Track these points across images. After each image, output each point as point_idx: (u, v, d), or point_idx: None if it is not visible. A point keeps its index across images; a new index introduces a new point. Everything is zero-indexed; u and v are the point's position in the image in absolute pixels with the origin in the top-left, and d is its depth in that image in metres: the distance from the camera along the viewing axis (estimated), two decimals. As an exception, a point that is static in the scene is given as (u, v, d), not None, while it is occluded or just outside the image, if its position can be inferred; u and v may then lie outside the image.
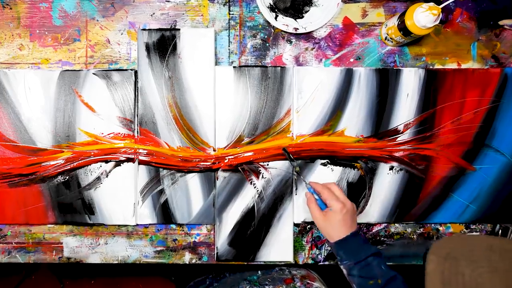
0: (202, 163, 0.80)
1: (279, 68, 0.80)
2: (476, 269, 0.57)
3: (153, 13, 0.81)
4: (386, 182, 0.81)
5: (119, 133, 0.80)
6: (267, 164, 0.80)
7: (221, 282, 0.89)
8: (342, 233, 0.67)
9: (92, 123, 0.80)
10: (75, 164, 0.80)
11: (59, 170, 0.80)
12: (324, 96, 0.80)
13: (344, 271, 0.68)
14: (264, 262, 0.81)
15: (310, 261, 0.82)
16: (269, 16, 0.80)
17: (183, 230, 0.82)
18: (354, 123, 0.80)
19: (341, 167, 0.81)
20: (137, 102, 0.80)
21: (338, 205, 0.67)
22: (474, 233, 0.79)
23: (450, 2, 0.69)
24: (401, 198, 0.81)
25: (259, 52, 0.82)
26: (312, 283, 0.83)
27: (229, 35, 0.82)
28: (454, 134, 0.80)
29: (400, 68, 0.81)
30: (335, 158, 0.80)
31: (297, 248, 0.82)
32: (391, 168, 0.81)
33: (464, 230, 0.82)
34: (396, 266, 0.82)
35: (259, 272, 0.88)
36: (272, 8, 0.81)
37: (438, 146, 0.80)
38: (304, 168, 0.80)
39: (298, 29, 0.80)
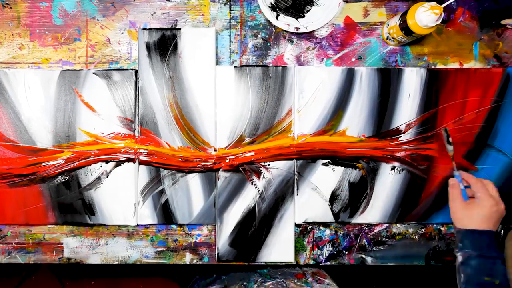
0: (203, 163, 0.79)
1: (280, 67, 0.79)
2: None
3: (154, 13, 0.81)
4: (388, 182, 0.80)
5: (120, 133, 0.79)
6: (268, 164, 0.80)
7: (230, 275, 0.88)
8: (479, 225, 0.65)
9: (92, 123, 0.79)
10: (75, 164, 0.79)
11: (59, 170, 0.79)
12: (325, 96, 0.80)
13: (459, 258, 0.66)
14: (265, 262, 0.80)
15: (311, 262, 0.81)
16: (270, 15, 0.79)
17: (183, 231, 0.81)
18: (355, 123, 0.80)
19: (343, 167, 0.80)
20: (138, 102, 0.79)
21: (490, 201, 0.66)
22: None
23: (452, 2, 0.69)
24: (403, 199, 0.80)
25: (260, 51, 0.81)
26: (324, 279, 0.83)
27: (230, 35, 0.81)
28: (456, 134, 0.80)
29: (402, 67, 0.80)
30: (336, 158, 0.80)
31: (298, 248, 0.81)
32: (393, 168, 0.80)
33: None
34: (397, 267, 0.82)
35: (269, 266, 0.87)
36: (273, 8, 0.80)
37: (440, 146, 0.80)
38: (305, 168, 0.80)
39: (299, 28, 0.79)
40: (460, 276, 0.65)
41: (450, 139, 0.75)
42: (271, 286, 0.80)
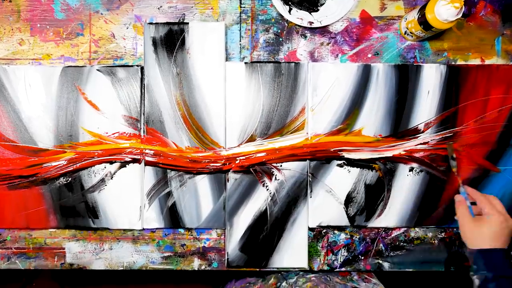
0: (212, 164, 0.76)
1: (293, 64, 0.76)
2: None
3: (160, 6, 0.78)
4: (406, 184, 0.77)
5: (125, 133, 0.76)
6: (281, 165, 0.76)
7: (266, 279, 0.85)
8: (489, 244, 0.64)
9: (96, 122, 0.76)
10: (78, 165, 0.76)
11: (61, 172, 0.76)
12: (340, 94, 0.76)
13: (476, 281, 0.64)
14: (277, 268, 0.77)
15: (325, 267, 0.78)
16: (283, 9, 0.76)
17: (191, 235, 0.78)
18: (372, 122, 0.76)
19: (358, 168, 0.77)
20: (144, 100, 0.76)
21: (500, 217, 0.65)
22: None
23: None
24: (422, 201, 0.77)
25: (272, 47, 0.78)
26: (371, 279, 0.79)
27: (240, 29, 0.78)
28: (477, 134, 0.77)
29: (421, 64, 0.77)
30: (352, 159, 0.77)
31: (312, 253, 0.78)
32: (411, 169, 0.77)
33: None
34: (415, 272, 0.79)
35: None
36: (285, 1, 0.77)
37: (460, 146, 0.77)
38: (319, 169, 0.77)
39: (313, 23, 0.76)
40: None
41: (454, 155, 0.74)
42: (314, 278, 0.76)
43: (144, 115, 0.76)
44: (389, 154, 0.76)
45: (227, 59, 0.78)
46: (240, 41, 0.78)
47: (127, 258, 0.78)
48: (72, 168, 0.76)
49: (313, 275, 0.77)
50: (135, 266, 0.78)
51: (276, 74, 0.76)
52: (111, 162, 0.76)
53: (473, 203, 0.69)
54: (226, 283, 0.89)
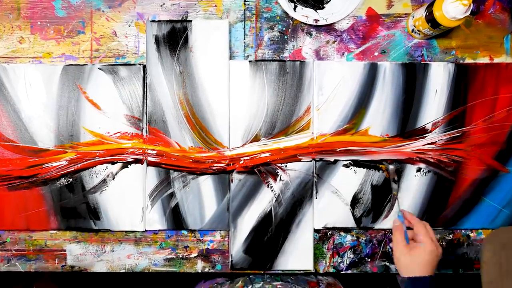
0: (215, 165, 0.75)
1: (298, 62, 0.75)
2: None
3: (163, 4, 0.77)
4: (413, 185, 0.76)
5: (127, 133, 0.75)
6: (285, 166, 0.75)
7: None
8: (422, 272, 0.64)
9: (97, 122, 0.75)
10: (79, 165, 0.75)
11: (62, 172, 0.75)
12: (346, 93, 0.75)
13: None
14: (282, 271, 0.76)
15: (331, 270, 0.77)
16: (288, 6, 0.75)
17: (195, 237, 0.77)
18: (378, 122, 0.75)
19: (365, 169, 0.76)
20: (146, 99, 0.75)
21: (433, 246, 0.65)
22: None
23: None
24: (429, 202, 0.76)
25: (276, 45, 0.77)
26: None
27: (244, 27, 0.77)
28: (486, 134, 0.75)
29: (428, 62, 0.76)
30: (358, 159, 0.75)
31: (318, 255, 0.77)
32: (419, 170, 0.76)
33: (497, 236, 0.77)
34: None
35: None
36: (290, -2, 0.76)
37: (469, 146, 0.75)
38: (324, 170, 0.75)
39: (318, 20, 0.75)
40: None
41: (396, 177, 0.73)
42: (280, 286, 0.75)
43: (146, 114, 0.75)
44: (402, 156, 0.75)
45: (231, 57, 0.76)
46: (244, 39, 0.77)
47: (129, 261, 0.77)
48: (73, 169, 0.75)
49: (280, 283, 0.76)
50: (137, 268, 0.77)
51: (281, 73, 0.75)
52: (113, 163, 0.75)
53: (409, 228, 0.69)
54: (196, 284, 0.87)
